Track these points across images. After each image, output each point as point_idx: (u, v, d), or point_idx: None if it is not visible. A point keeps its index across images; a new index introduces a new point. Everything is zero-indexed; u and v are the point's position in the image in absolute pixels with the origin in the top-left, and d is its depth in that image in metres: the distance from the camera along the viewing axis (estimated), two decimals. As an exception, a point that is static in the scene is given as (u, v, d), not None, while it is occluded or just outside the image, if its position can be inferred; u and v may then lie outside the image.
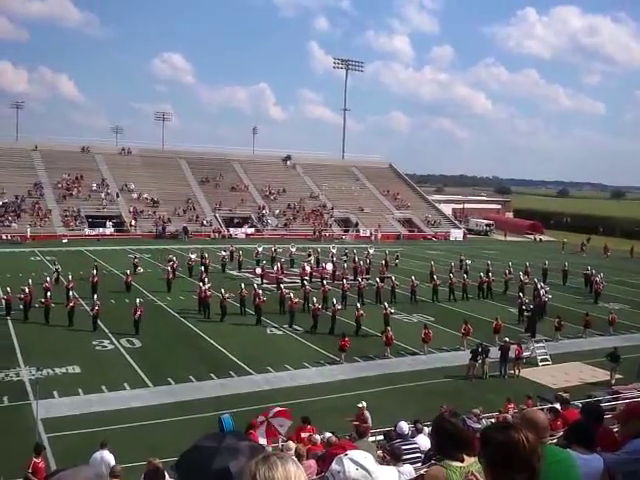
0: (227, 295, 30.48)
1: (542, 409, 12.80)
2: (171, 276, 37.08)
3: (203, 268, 39.48)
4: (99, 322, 27.86)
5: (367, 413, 15.71)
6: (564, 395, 17.32)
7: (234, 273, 42.89)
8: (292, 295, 30.51)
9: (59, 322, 27.75)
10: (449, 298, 36.79)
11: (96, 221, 64.82)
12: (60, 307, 28.47)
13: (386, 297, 34.48)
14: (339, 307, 29.30)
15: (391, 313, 29.28)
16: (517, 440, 2.74)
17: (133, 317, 26.99)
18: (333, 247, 50.68)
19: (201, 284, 32.86)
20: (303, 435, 13.43)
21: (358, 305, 29.95)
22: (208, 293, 31.42)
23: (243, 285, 32.32)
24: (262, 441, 13.37)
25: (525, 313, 31.25)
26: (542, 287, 35.21)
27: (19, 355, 23.63)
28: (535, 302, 32.43)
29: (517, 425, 2.91)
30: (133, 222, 65.13)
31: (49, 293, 29.33)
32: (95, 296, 29.46)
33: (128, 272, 37.06)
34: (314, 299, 29.85)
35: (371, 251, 49.20)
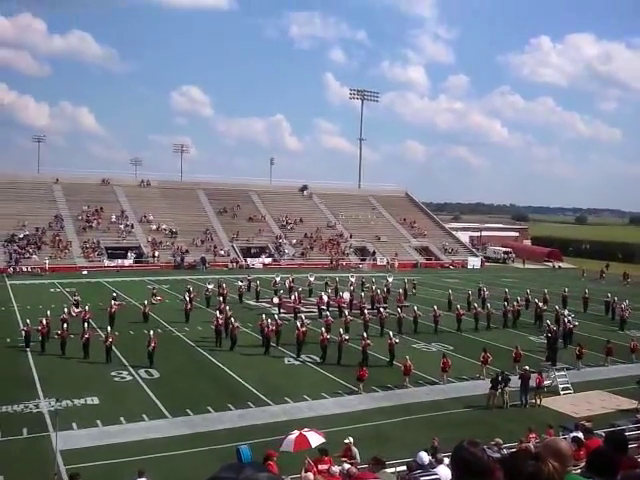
0: (237, 325, 30.99)
1: (565, 438, 12.61)
2: (189, 307, 37.22)
3: (221, 298, 39.56)
4: (117, 353, 28.02)
5: (355, 449, 15.37)
6: (587, 424, 17.06)
7: (252, 303, 42.94)
8: (299, 324, 30.34)
9: (76, 354, 27.80)
10: (475, 328, 36.09)
11: (115, 252, 65.43)
12: (77, 338, 28.55)
13: (408, 327, 34.33)
14: (366, 340, 28.75)
15: (396, 343, 28.53)
16: (547, 472, 2.72)
17: (147, 349, 26.96)
18: (352, 276, 50.61)
19: (217, 313, 32.99)
20: (321, 467, 13.30)
21: (365, 334, 29.31)
22: (220, 322, 31.55)
23: (264, 316, 32.06)
24: (288, 449, 13.33)
25: (544, 340, 30.91)
26: (568, 314, 35.06)
27: (38, 386, 23.73)
28: (560, 329, 32.27)
29: (544, 455, 2.89)
30: (156, 253, 65.63)
31: (65, 325, 29.32)
32: (109, 328, 29.53)
33: (146, 302, 37.27)
34: (338, 329, 29.84)
35: (390, 280, 49.13)
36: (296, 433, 13.68)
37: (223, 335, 31.11)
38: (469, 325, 36.15)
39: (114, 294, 39.63)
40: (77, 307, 36.38)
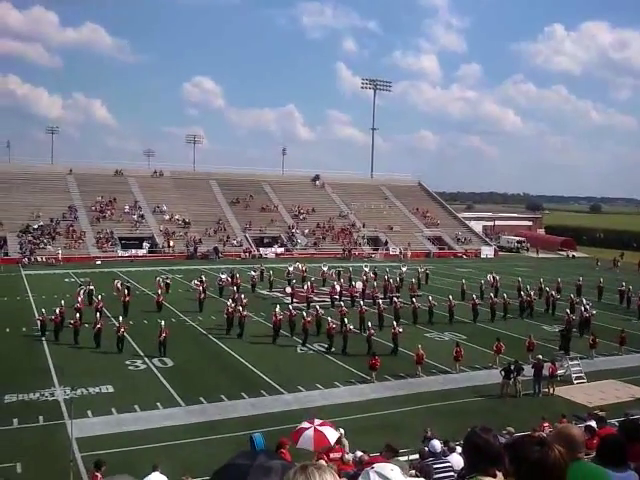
0: (245, 313, 31.55)
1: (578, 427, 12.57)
2: (202, 296, 37.37)
3: (235, 288, 39.68)
4: (131, 342, 28.25)
5: (345, 441, 15.30)
6: (600, 413, 16.99)
7: (264, 292, 43.04)
8: (305, 314, 30.65)
9: (90, 343, 27.95)
10: (491, 318, 35.59)
11: (129, 243, 65.83)
12: (91, 328, 28.64)
13: (423, 317, 34.24)
14: (370, 329, 28.83)
15: (399, 332, 28.37)
16: (553, 457, 2.73)
17: (158, 339, 27.01)
18: (366, 266, 50.55)
19: (229, 302, 33.26)
20: (333, 455, 13.35)
21: (369, 324, 29.54)
22: (231, 310, 31.86)
23: (278, 308, 31.73)
24: (307, 447, 13.31)
25: (559, 330, 30.79)
26: (586, 303, 34.96)
27: (54, 375, 23.98)
28: (577, 318, 32.29)
29: (549, 441, 2.89)
30: (171, 243, 65.94)
31: (78, 314, 29.52)
32: (120, 318, 29.66)
33: (159, 292, 37.48)
34: (345, 320, 29.83)
35: (404, 269, 48.99)
36: (311, 428, 13.62)
37: (235, 323, 31.26)
38: (484, 315, 35.83)
39: (127, 284, 39.86)
40: (90, 295, 36.62)
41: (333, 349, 28.28)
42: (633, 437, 7.55)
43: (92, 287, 38.79)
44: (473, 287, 42.45)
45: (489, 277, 45.81)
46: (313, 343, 29.39)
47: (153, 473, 13.06)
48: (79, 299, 32.94)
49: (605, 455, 3.99)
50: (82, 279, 45.29)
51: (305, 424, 13.78)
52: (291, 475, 1.96)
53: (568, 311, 32.98)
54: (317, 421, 13.91)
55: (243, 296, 35.57)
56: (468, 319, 35.30)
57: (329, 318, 29.79)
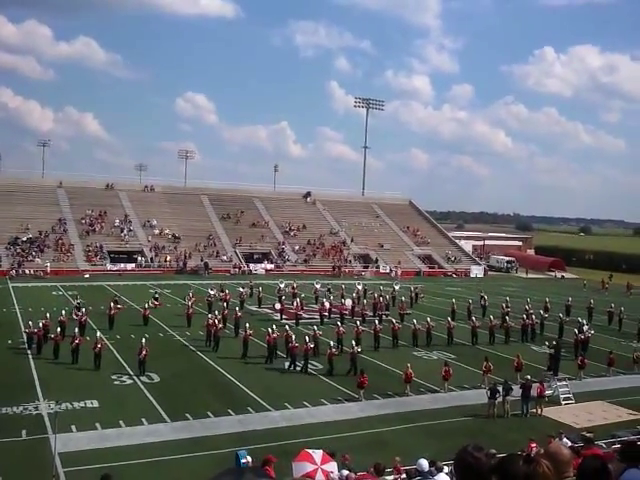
0: (220, 326, 31.65)
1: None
2: (190, 311, 37.19)
3: (225, 304, 39.56)
4: (118, 356, 28.00)
5: (333, 464, 14.84)
6: (588, 435, 16.97)
7: (253, 308, 42.88)
8: (307, 338, 28.76)
9: (68, 358, 27.39)
10: (490, 341, 34.74)
11: (118, 257, 65.57)
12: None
13: (422, 340, 33.35)
14: (358, 350, 28.34)
15: (358, 352, 28.06)
16: (541, 472, 2.70)
17: (138, 357, 26.23)
18: (358, 284, 50.43)
19: (209, 315, 33.57)
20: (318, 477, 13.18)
21: (353, 343, 28.77)
22: (211, 322, 31.89)
23: (274, 326, 30.85)
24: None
25: (547, 350, 30.77)
26: (586, 323, 35.12)
27: (38, 389, 23.71)
28: (576, 337, 32.94)
29: (537, 457, 2.86)
30: (168, 257, 65.85)
31: (59, 329, 28.93)
32: (98, 333, 28.72)
33: (146, 306, 37.25)
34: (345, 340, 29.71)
35: (397, 287, 48.83)
36: (318, 470, 13.05)
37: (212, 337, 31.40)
38: (483, 337, 35.02)
39: (115, 297, 39.68)
40: (79, 310, 36.28)
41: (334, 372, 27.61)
42: (634, 460, 7.37)
43: (80, 301, 38.54)
44: (464, 307, 42.23)
45: (481, 296, 45.56)
46: (300, 361, 29.11)
47: None
48: (63, 313, 32.51)
49: (586, 477, 3.93)
50: (70, 292, 44.98)
51: (307, 466, 13.26)
52: None
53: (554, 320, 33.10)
54: (317, 457, 13.45)
55: (226, 312, 35.50)
56: (466, 341, 34.51)
57: (331, 342, 29.06)
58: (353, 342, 29.03)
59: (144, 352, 26.16)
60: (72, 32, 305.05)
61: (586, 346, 32.95)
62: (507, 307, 40.47)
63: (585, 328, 34.37)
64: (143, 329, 34.01)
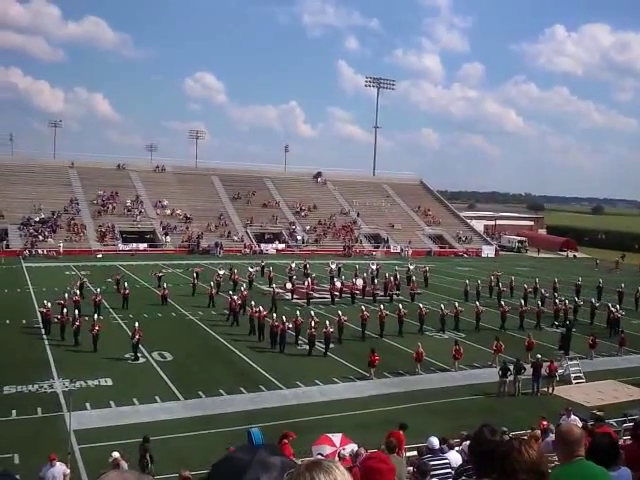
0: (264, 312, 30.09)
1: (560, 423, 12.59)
2: (214, 291, 37.32)
3: (233, 284, 39.99)
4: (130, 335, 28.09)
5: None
6: (599, 413, 17.02)
7: (264, 288, 43.00)
8: (327, 322, 28.50)
9: (86, 339, 27.05)
10: (520, 325, 33.31)
11: (130, 237, 65.88)
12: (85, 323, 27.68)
13: (450, 325, 32.32)
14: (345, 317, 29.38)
15: (368, 316, 30.00)
16: (519, 456, 2.79)
17: (131, 341, 25.71)
18: (372, 264, 50.31)
19: (230, 293, 34.43)
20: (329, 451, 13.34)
21: (363, 307, 30.29)
22: (236, 303, 32.54)
23: (298, 313, 30.16)
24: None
25: (558, 330, 30.73)
26: (613, 305, 35.14)
27: (53, 367, 24.01)
28: (610, 318, 33.37)
29: (518, 443, 2.94)
30: (196, 237, 66.38)
31: (65, 310, 28.85)
32: (95, 316, 28.56)
33: (165, 286, 37.37)
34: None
35: (411, 267, 48.61)
36: (329, 449, 13.18)
37: (240, 314, 32.13)
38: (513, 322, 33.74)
39: (117, 277, 39.90)
40: (81, 290, 36.05)
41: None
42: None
43: (85, 280, 38.78)
44: (482, 287, 41.95)
45: (492, 278, 45.22)
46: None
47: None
48: (66, 296, 32.08)
49: (596, 454, 3.96)
50: (83, 272, 45.33)
51: (327, 448, 13.32)
52: (295, 475, 1.91)
53: (570, 302, 33.01)
54: (337, 440, 13.53)
55: (245, 293, 35.76)
56: (495, 325, 33.16)
57: (327, 322, 28.63)
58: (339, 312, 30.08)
59: (137, 336, 25.59)
60: (80, 12, 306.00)
61: (617, 325, 32.90)
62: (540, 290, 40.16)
63: (616, 309, 34.36)
64: (157, 308, 34.27)
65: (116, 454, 13.80)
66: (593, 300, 37.40)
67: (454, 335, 30.89)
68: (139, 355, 25.77)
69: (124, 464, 13.39)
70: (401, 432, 14.41)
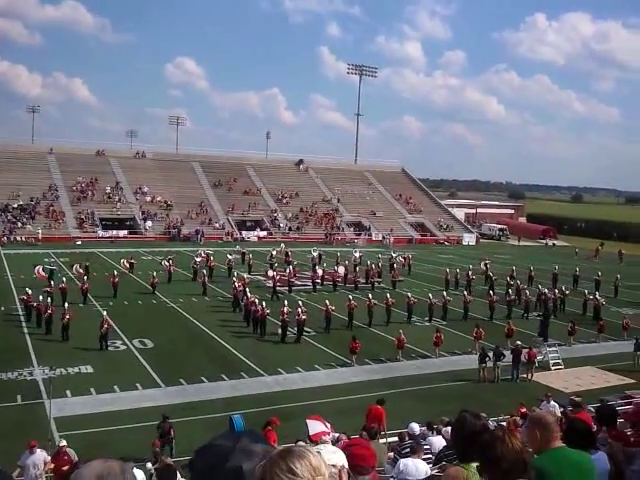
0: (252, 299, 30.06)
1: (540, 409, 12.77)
2: (206, 279, 37.18)
3: (209, 270, 39.96)
4: (111, 322, 27.72)
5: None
6: (576, 399, 17.24)
7: (245, 275, 42.86)
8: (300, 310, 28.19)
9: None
10: (508, 315, 33.10)
11: (109, 224, 65.34)
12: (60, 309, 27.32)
13: (438, 313, 32.24)
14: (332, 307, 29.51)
15: (355, 306, 30.03)
16: (505, 443, 2.83)
17: (100, 331, 24.93)
18: (355, 251, 50.33)
19: (235, 281, 34.72)
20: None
21: (350, 297, 30.56)
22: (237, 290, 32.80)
23: (286, 302, 29.73)
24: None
25: (537, 317, 31.07)
26: (594, 292, 35.69)
27: (32, 355, 23.81)
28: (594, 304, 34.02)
29: (503, 432, 2.97)
30: (181, 227, 65.83)
31: (41, 297, 28.53)
32: (66, 304, 27.92)
33: (154, 274, 36.84)
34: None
35: (394, 255, 48.71)
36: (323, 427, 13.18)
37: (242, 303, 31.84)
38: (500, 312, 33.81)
39: (86, 263, 39.01)
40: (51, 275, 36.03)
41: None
42: (609, 421, 7.65)
43: (55, 268, 38.56)
44: (461, 275, 42.18)
45: (482, 266, 45.54)
46: (294, 327, 29.23)
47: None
48: (52, 284, 31.92)
49: (573, 439, 4.01)
50: (62, 259, 44.89)
51: (321, 426, 13.27)
52: (268, 465, 1.85)
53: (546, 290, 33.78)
54: (328, 424, 13.52)
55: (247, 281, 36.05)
56: (484, 316, 32.85)
57: (300, 302, 29.33)
58: (350, 296, 29.98)
59: (105, 326, 25.07)
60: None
61: (598, 312, 33.61)
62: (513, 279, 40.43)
63: (596, 297, 35.05)
64: (139, 297, 34.11)
65: (63, 442, 13.75)
66: (563, 288, 37.79)
67: (435, 322, 31.11)
68: (120, 343, 25.64)
69: (71, 452, 13.39)
70: (379, 406, 14.56)
